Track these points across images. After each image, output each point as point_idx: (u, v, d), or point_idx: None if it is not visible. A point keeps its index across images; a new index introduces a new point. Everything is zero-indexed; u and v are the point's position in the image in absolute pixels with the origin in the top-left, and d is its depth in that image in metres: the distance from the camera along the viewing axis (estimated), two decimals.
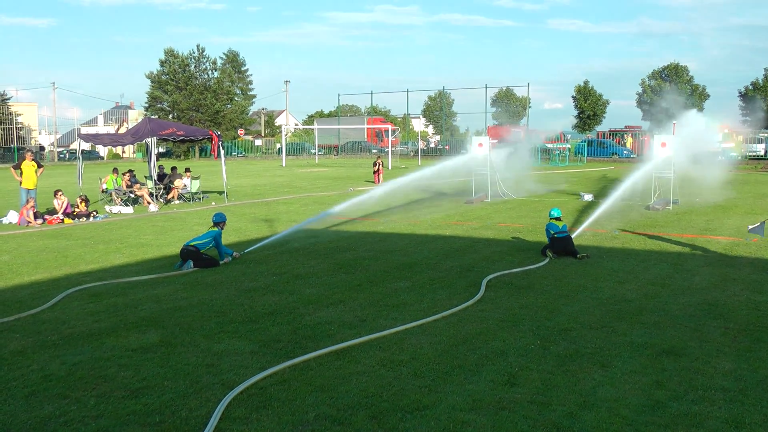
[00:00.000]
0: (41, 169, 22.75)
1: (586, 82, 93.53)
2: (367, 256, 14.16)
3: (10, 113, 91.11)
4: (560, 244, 13.75)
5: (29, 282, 12.19)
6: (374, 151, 79.25)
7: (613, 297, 10.43)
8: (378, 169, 37.35)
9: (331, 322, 9.19)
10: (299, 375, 7.13)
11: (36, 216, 20.67)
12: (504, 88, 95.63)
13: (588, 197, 24.57)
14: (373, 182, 35.88)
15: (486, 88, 72.12)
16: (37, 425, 6.02)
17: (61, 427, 5.98)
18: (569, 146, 61.70)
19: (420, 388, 6.76)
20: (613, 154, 59.58)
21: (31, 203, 20.84)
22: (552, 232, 13.91)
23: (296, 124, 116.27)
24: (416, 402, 6.40)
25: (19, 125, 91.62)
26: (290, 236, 16.43)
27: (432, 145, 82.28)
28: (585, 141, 64.06)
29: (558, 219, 14.31)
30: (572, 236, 14.49)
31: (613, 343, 8.14)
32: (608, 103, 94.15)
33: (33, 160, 22.48)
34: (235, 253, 13.95)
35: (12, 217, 21.04)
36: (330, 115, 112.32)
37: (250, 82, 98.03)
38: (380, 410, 6.23)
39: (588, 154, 58.94)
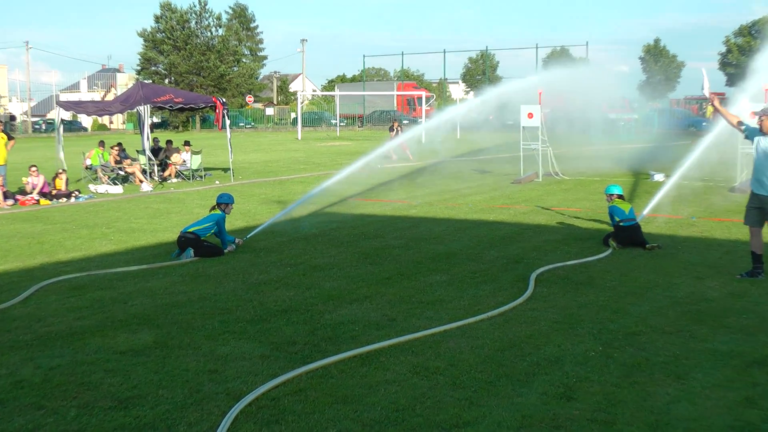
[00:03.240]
0: (12, 142, 22.88)
1: (656, 41, 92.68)
2: (397, 245, 14.13)
3: None
4: (626, 234, 13.57)
5: None
6: (405, 122, 79.19)
7: (690, 295, 10.29)
8: (396, 134, 36.64)
9: (355, 322, 9.17)
10: (317, 384, 7.12)
11: (6, 196, 20.86)
12: (558, 48, 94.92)
13: (659, 177, 24.31)
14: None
15: (537, 48, 71.71)
16: None
17: None
18: (636, 116, 61.11)
19: (459, 400, 6.71)
20: (689, 126, 58.96)
21: (0, 181, 21.00)
22: (617, 219, 13.74)
23: (314, 91, 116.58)
24: (455, 417, 6.35)
25: None
26: (277, 223, 16.38)
27: (473, 115, 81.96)
28: (655, 110, 63.46)
29: (621, 197, 14.14)
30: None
31: (691, 350, 8.03)
32: (683, 66, 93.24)
33: (2, 131, 22.64)
34: (237, 240, 13.96)
35: None
36: (353, 80, 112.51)
37: (261, 41, 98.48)
38: (413, 426, 6.19)
39: (658, 126, 58.37)
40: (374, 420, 6.32)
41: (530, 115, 25.78)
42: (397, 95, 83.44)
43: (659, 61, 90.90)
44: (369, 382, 7.15)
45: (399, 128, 37.70)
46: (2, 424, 6.36)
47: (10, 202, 20.78)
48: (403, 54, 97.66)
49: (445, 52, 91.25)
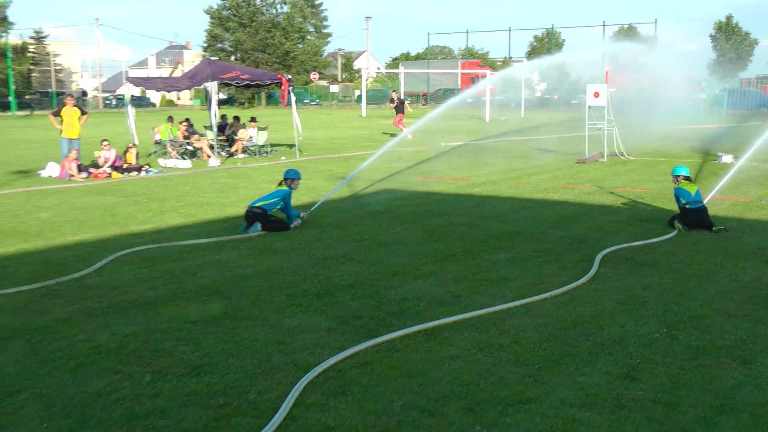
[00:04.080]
0: (85, 117, 23.30)
1: (728, 18, 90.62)
2: (461, 223, 14.17)
3: (47, 53, 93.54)
4: (693, 216, 13.37)
5: (73, 242, 12.64)
6: (469, 101, 78.72)
7: (758, 280, 10.14)
8: (397, 105, 36.86)
9: (420, 298, 9.25)
10: (383, 357, 7.22)
11: (80, 169, 21.33)
12: (626, 26, 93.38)
13: (727, 159, 23.88)
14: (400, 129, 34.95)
15: (604, 26, 70.66)
16: (85, 401, 6.27)
17: (113, 404, 6.22)
18: (704, 96, 59.99)
19: (523, 377, 6.76)
20: (761, 106, 57.71)
21: (74, 155, 21.48)
22: (683, 201, 13.55)
23: (378, 68, 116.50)
24: (519, 394, 6.40)
25: (58, 67, 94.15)
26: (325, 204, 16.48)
27: (538, 95, 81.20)
28: (725, 90, 62.16)
29: (688, 179, 13.92)
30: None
31: (758, 335, 7.94)
32: (757, 44, 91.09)
33: (75, 106, 23.08)
34: (302, 214, 14.11)
35: (52, 169, 21.74)
36: (418, 58, 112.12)
37: (325, 19, 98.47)
38: (476, 401, 6.25)
39: (728, 107, 57.22)
40: (438, 394, 6.39)
41: (596, 95, 25.50)
42: (462, 73, 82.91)
43: (731, 39, 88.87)
44: (433, 357, 7.22)
45: (396, 97, 38.07)
46: (81, 386, 6.59)
47: (84, 174, 21.24)
48: (467, 32, 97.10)
49: (510, 30, 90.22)
